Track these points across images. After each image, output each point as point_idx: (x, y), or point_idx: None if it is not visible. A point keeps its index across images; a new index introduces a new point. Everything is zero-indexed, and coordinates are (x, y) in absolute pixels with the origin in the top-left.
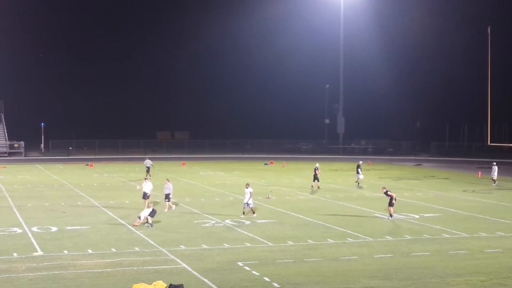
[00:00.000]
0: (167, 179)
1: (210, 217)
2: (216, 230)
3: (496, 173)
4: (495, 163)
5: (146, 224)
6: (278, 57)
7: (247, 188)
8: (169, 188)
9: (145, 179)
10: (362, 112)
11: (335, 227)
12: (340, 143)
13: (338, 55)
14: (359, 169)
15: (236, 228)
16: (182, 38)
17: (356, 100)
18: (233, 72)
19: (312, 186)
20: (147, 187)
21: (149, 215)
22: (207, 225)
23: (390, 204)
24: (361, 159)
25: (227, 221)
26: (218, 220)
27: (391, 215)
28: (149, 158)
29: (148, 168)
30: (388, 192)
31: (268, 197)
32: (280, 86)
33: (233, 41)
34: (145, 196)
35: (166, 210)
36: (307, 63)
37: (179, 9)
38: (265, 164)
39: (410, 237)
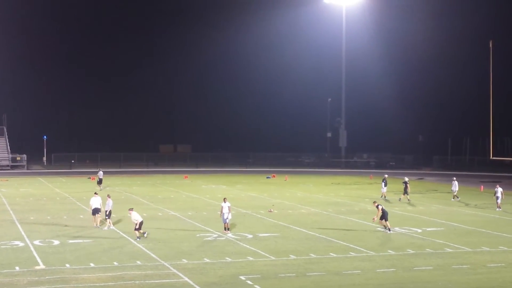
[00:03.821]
0: (108, 195)
1: (212, 230)
2: (219, 243)
3: (457, 188)
4: (455, 178)
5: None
6: (280, 70)
7: (225, 202)
8: (109, 204)
9: (95, 193)
10: (364, 125)
11: (337, 241)
12: (342, 157)
13: (340, 69)
14: (383, 183)
15: (238, 242)
16: (184, 52)
17: (358, 114)
18: (235, 85)
19: (400, 199)
20: (97, 201)
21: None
22: (209, 238)
23: (385, 218)
24: (386, 173)
25: (230, 234)
26: (220, 234)
27: (389, 229)
28: (102, 170)
29: (101, 180)
30: (379, 206)
31: (271, 211)
32: (282, 100)
33: (235, 54)
34: (96, 211)
35: (106, 228)
36: (309, 77)
37: (181, 23)
38: (267, 177)
39: (413, 251)
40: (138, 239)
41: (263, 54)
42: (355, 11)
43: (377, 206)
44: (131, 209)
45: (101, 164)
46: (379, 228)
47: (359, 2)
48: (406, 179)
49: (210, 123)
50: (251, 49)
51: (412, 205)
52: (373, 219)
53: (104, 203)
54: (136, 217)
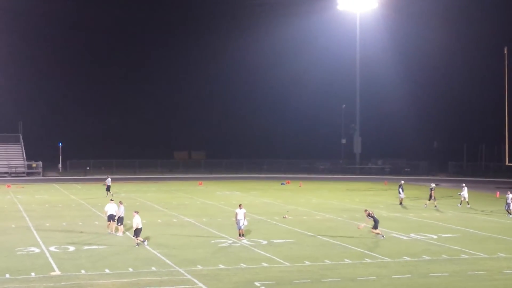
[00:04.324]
0: (120, 201)
1: (227, 237)
2: (233, 250)
3: (466, 194)
4: (464, 184)
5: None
6: (294, 77)
7: (240, 208)
8: (121, 211)
9: (111, 200)
10: (379, 132)
11: (352, 247)
12: (357, 163)
13: (355, 75)
14: (400, 189)
15: (253, 248)
16: (198, 59)
17: (373, 120)
18: (250, 92)
19: (426, 204)
20: (112, 208)
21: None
22: (224, 245)
23: (375, 226)
24: (402, 179)
25: (244, 241)
26: (235, 240)
27: (382, 235)
28: (111, 177)
29: (109, 186)
30: (372, 214)
31: (285, 217)
32: (296, 106)
33: (249, 62)
34: (111, 218)
35: (120, 234)
36: (323, 83)
37: (195, 30)
38: (281, 184)
39: (429, 258)
40: (137, 246)
41: (277, 61)
42: (369, 17)
43: (368, 215)
44: (136, 212)
45: (116, 171)
46: (394, 234)
47: (373, 9)
48: (433, 185)
49: (224, 130)
50: (265, 56)
51: (440, 211)
52: (358, 227)
53: (116, 210)
54: (136, 221)
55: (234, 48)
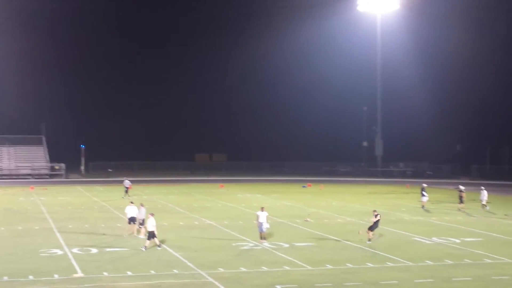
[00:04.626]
0: (141, 204)
1: (249, 239)
2: (255, 253)
3: (485, 197)
4: (483, 187)
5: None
6: (315, 78)
7: (262, 211)
8: (142, 213)
9: (131, 202)
10: (400, 134)
11: (374, 250)
12: (378, 166)
13: (376, 77)
14: (423, 192)
15: (274, 251)
16: (219, 61)
17: (395, 122)
18: (270, 94)
19: (460, 209)
20: (133, 210)
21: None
22: (245, 247)
23: (372, 228)
24: (424, 182)
25: (266, 244)
26: (257, 243)
27: (369, 239)
28: (128, 179)
29: (127, 188)
30: (377, 216)
31: (307, 220)
32: (317, 108)
33: (270, 63)
34: (132, 220)
35: (141, 236)
36: (344, 85)
37: (216, 31)
38: (303, 186)
39: (451, 262)
40: (144, 249)
41: (298, 63)
42: (390, 19)
43: (376, 216)
44: (152, 214)
45: (137, 173)
46: (416, 238)
47: (394, 10)
48: (462, 187)
49: (245, 132)
50: (286, 58)
51: (471, 215)
52: (358, 232)
53: (137, 212)
54: (150, 224)
55: (254, 49)
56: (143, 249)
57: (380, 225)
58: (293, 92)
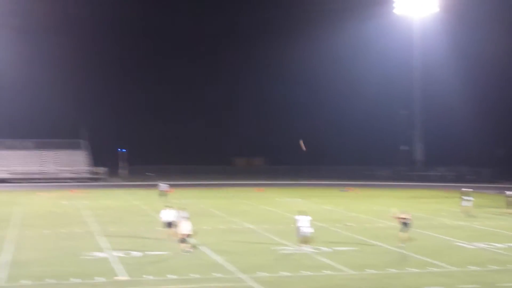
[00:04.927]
0: (181, 208)
1: (289, 244)
2: (295, 257)
3: None
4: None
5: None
6: (352, 82)
7: (302, 215)
8: (175, 215)
9: (167, 206)
10: (440, 138)
11: (416, 255)
12: (417, 170)
13: (414, 80)
14: (464, 196)
15: (315, 255)
16: (257, 65)
17: (434, 126)
18: (308, 97)
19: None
20: (170, 215)
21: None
22: (285, 251)
23: (405, 230)
24: (466, 187)
25: (306, 248)
26: (297, 247)
27: (403, 243)
28: (164, 183)
29: (163, 192)
30: (406, 217)
31: (347, 224)
32: (355, 112)
33: (306, 67)
34: (169, 225)
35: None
36: (381, 89)
37: (251, 36)
38: (341, 190)
39: (496, 268)
40: (184, 253)
41: (335, 66)
42: (428, 22)
43: (403, 217)
44: (186, 218)
45: (176, 177)
46: (458, 243)
47: (432, 13)
48: (509, 193)
49: (283, 136)
50: (322, 62)
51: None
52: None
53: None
54: (184, 227)
55: (292, 53)
56: (189, 251)
57: (415, 229)
58: (331, 95)
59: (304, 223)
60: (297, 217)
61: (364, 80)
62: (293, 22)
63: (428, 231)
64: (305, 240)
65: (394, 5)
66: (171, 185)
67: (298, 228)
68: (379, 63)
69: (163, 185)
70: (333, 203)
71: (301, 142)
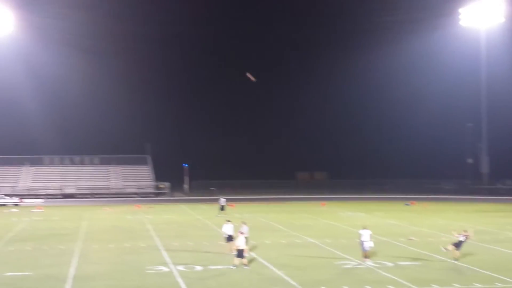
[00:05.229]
0: (243, 222)
1: (352, 258)
2: (358, 271)
3: None
4: None
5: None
6: (417, 94)
7: (365, 230)
8: (246, 231)
9: (228, 221)
10: (507, 151)
11: (482, 270)
12: (484, 183)
13: (479, 93)
14: None
15: (378, 270)
16: (319, 78)
17: (501, 139)
18: (371, 110)
19: None
20: (230, 228)
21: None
22: (348, 266)
23: (458, 246)
24: None
25: (369, 262)
26: (360, 262)
27: (456, 259)
28: (224, 197)
29: (222, 206)
30: (465, 235)
31: (411, 239)
32: (420, 124)
33: (370, 79)
34: (230, 239)
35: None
36: (446, 101)
37: (314, 51)
38: (405, 204)
39: None
40: (234, 267)
41: (400, 78)
42: (495, 32)
43: (463, 235)
44: (241, 233)
45: (239, 191)
46: None
47: (498, 24)
48: None
49: (346, 150)
50: (387, 74)
51: None
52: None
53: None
54: (240, 242)
55: (355, 65)
56: (245, 265)
57: (480, 243)
58: (395, 108)
59: (366, 238)
60: (361, 231)
61: (430, 92)
62: (356, 35)
63: (494, 245)
64: (366, 254)
65: (460, 16)
66: (233, 200)
67: (362, 243)
68: (446, 75)
69: (223, 200)
70: (396, 217)
71: (249, 74)
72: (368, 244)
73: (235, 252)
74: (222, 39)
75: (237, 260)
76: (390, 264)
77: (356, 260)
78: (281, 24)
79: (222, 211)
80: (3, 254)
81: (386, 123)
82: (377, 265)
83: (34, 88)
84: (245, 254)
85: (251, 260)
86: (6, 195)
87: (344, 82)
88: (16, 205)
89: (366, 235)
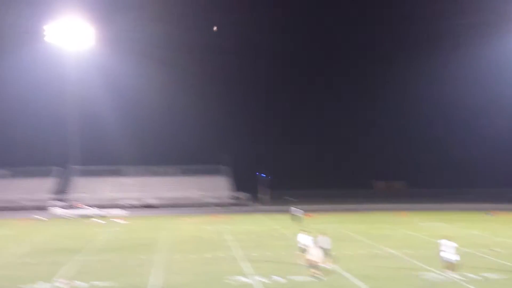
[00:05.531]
0: (323, 233)
1: (433, 269)
2: (438, 282)
3: None
4: None
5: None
6: (494, 99)
7: (447, 241)
8: (327, 242)
9: (303, 231)
10: None
11: None
12: None
13: None
14: None
15: (463, 282)
16: (394, 86)
17: None
18: (449, 117)
19: None
20: (305, 239)
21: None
22: (430, 278)
23: None
24: None
25: (453, 275)
26: (440, 273)
27: None
28: (296, 207)
29: (295, 216)
30: None
31: (493, 250)
32: (500, 131)
33: (448, 84)
34: (304, 249)
35: (328, 266)
36: None
37: (390, 59)
38: (488, 214)
39: None
40: (314, 278)
41: (477, 83)
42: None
43: None
44: (315, 244)
45: (315, 201)
46: None
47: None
48: None
49: (425, 158)
50: (464, 78)
51: None
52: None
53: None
54: (316, 254)
55: (432, 69)
56: (320, 277)
57: None
58: (475, 115)
59: (449, 249)
60: (440, 241)
61: (508, 96)
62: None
63: None
64: (450, 266)
65: None
66: (310, 210)
67: (440, 253)
68: None
69: (294, 209)
70: (478, 228)
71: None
72: (453, 257)
73: (306, 263)
74: (296, 51)
75: (312, 271)
76: (475, 276)
77: (438, 272)
78: (357, 34)
79: (295, 221)
80: (89, 264)
81: (465, 129)
82: (462, 278)
83: (113, 100)
84: (318, 265)
85: (331, 272)
86: (89, 205)
87: (422, 89)
88: (101, 216)
89: (446, 246)
